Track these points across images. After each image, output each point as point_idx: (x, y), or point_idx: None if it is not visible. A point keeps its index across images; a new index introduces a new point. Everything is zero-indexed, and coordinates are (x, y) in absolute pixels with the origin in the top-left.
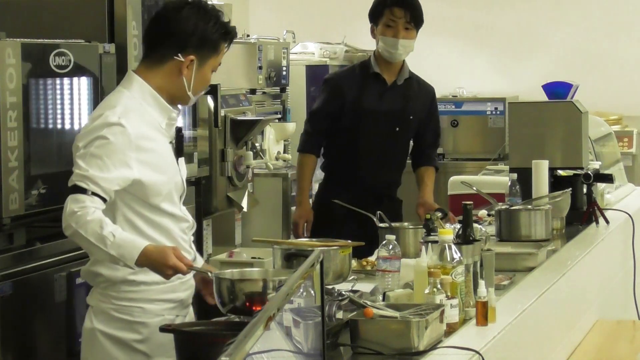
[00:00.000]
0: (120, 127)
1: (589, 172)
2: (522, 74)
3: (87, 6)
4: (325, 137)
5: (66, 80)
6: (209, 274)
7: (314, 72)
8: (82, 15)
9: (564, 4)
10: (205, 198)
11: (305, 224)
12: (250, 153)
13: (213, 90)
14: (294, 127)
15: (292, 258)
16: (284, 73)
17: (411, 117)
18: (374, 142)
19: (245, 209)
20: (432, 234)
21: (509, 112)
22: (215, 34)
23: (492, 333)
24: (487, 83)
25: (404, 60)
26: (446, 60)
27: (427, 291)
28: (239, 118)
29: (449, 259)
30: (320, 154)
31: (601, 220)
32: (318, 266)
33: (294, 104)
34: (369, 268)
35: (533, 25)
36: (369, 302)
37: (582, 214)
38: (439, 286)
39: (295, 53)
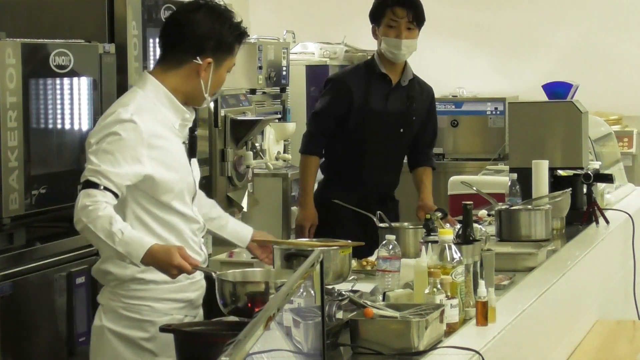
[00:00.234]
0: (133, 124)
1: (589, 172)
2: (522, 74)
3: (87, 6)
4: (328, 138)
5: (66, 80)
6: (213, 274)
7: (314, 72)
8: (82, 15)
9: (564, 4)
10: None
11: (310, 228)
12: (250, 153)
13: None
14: (294, 127)
15: (292, 258)
16: (284, 73)
17: (414, 118)
18: (379, 143)
19: (245, 209)
20: (432, 234)
21: (509, 112)
22: (231, 36)
23: (492, 333)
24: (487, 83)
25: (406, 61)
26: (446, 60)
27: (427, 291)
28: (239, 118)
29: (449, 259)
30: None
31: (601, 220)
32: (318, 266)
33: (294, 104)
34: (369, 268)
35: (533, 25)
36: (369, 302)
37: (582, 214)
38: (439, 286)
39: (295, 53)
